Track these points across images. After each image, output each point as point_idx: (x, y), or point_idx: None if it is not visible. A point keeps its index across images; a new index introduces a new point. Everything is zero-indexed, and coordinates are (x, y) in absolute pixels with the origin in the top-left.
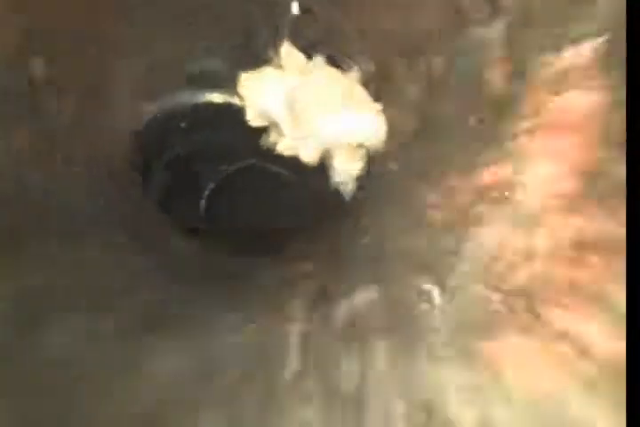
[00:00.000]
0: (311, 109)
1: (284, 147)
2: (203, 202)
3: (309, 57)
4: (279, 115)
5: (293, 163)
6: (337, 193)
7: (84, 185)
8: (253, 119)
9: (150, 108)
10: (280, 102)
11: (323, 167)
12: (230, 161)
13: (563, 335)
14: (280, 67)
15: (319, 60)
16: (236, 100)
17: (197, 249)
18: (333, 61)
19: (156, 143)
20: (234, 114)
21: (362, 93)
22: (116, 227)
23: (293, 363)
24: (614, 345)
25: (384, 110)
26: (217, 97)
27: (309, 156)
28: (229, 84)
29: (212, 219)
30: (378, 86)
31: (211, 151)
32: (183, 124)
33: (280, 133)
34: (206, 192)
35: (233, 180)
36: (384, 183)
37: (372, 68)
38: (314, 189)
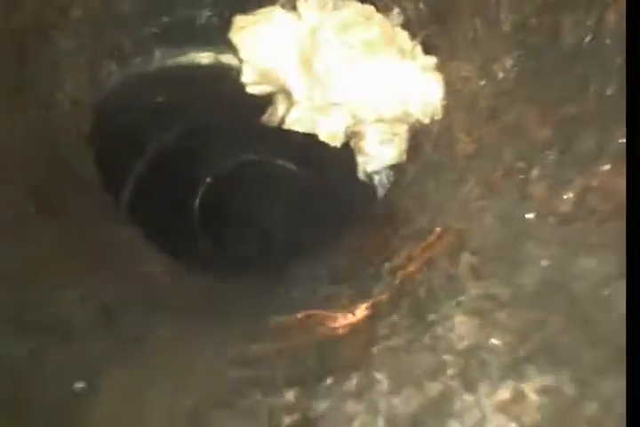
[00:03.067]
0: (335, 64)
1: (296, 120)
2: (196, 203)
3: None
4: (289, 73)
5: (304, 154)
6: (365, 189)
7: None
8: (252, 82)
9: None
10: (291, 55)
11: (343, 156)
12: (225, 154)
13: None
14: (290, 6)
15: None
16: (229, 60)
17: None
18: None
19: (124, 126)
20: (227, 81)
21: (407, 42)
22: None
23: None
24: None
25: (440, 65)
26: (203, 56)
27: (331, 133)
28: (220, 38)
29: (205, 225)
30: (431, 32)
31: (196, 141)
32: (160, 99)
33: (290, 101)
34: (199, 193)
35: (230, 177)
36: (434, 174)
37: (420, 5)
38: (332, 188)
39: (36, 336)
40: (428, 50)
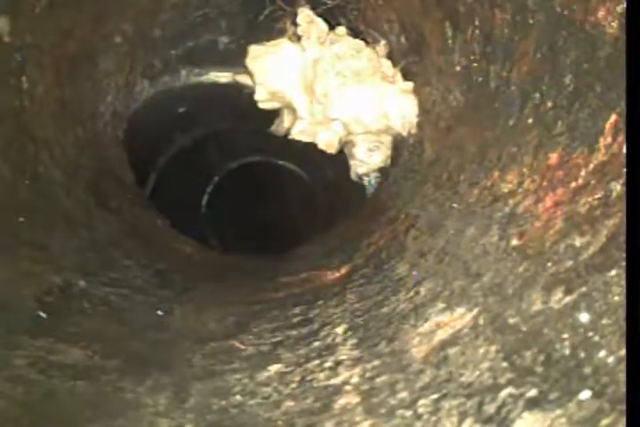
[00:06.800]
0: (332, 88)
1: (300, 131)
2: (205, 198)
3: (330, 27)
4: (294, 94)
5: (304, 157)
6: (356, 189)
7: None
8: (264, 100)
9: (145, 88)
10: (295, 79)
11: (337, 160)
12: (234, 155)
13: None
14: (296, 38)
15: (341, 30)
16: (243, 80)
17: (197, 250)
18: (357, 32)
19: (151, 133)
20: (241, 97)
21: (390, 70)
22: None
23: None
24: None
25: (416, 90)
26: (222, 76)
27: (328, 142)
28: (236, 61)
29: (213, 217)
30: (409, 61)
31: (211, 144)
32: (182, 110)
33: (295, 116)
34: (208, 188)
35: (237, 176)
36: (407, 175)
37: (402, 39)
38: (327, 186)
39: (116, 290)
40: (406, 76)
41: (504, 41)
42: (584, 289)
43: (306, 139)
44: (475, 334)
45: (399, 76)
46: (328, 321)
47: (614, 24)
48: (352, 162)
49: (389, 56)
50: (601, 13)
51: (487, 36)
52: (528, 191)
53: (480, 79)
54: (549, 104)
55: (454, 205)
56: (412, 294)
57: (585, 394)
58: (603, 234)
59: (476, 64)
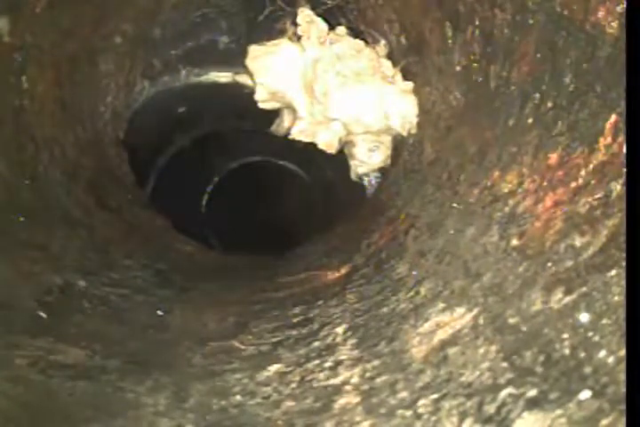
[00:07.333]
0: (332, 88)
1: (300, 131)
2: (205, 198)
3: (330, 27)
4: (294, 94)
5: (304, 157)
6: (356, 188)
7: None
8: (264, 100)
9: (145, 88)
10: (295, 79)
11: (337, 160)
12: (234, 155)
13: None
14: (296, 38)
15: (341, 30)
16: (243, 80)
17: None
18: (357, 32)
19: (151, 133)
20: (241, 97)
21: (390, 70)
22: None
23: None
24: None
25: (416, 90)
26: (222, 76)
27: (328, 142)
28: (236, 61)
29: (213, 217)
30: (409, 61)
31: (211, 144)
32: (182, 110)
33: (295, 116)
34: (208, 188)
35: (237, 176)
36: (406, 175)
37: (402, 39)
38: (327, 186)
39: (116, 290)
40: (406, 76)
41: (504, 41)
42: (584, 289)
43: (306, 139)
44: (475, 334)
45: (399, 76)
46: (328, 321)
47: (614, 24)
48: (352, 162)
49: (389, 56)
50: (601, 13)
51: (487, 36)
52: (528, 191)
53: (480, 79)
54: (549, 104)
55: (454, 205)
56: (412, 293)
57: (585, 394)
58: (603, 234)
59: (476, 64)
